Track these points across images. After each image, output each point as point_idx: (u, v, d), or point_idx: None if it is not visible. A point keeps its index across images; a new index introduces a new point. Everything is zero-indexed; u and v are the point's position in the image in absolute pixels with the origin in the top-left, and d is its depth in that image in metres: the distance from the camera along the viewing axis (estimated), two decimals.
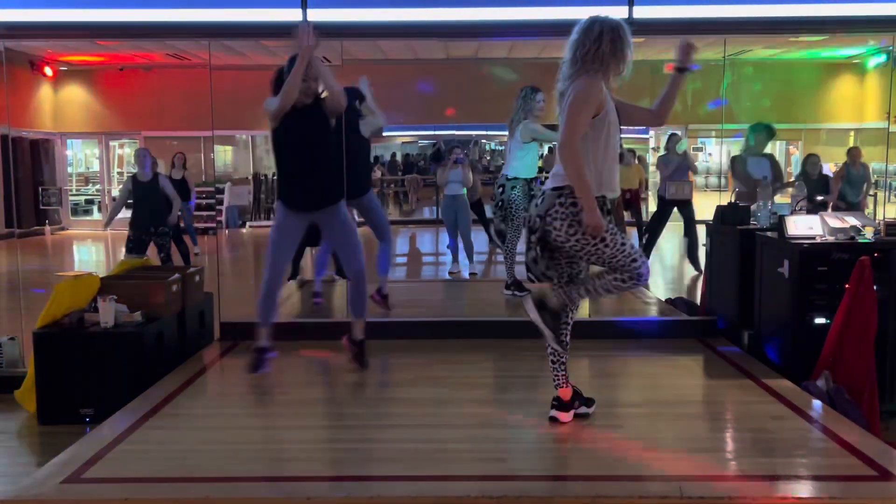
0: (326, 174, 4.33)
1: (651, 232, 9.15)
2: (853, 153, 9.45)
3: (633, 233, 10.71)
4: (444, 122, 15.45)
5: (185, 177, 10.06)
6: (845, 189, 9.12)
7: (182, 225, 9.88)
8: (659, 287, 7.97)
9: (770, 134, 6.93)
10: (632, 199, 10.24)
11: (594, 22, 3.39)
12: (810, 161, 8.29)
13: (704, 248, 5.97)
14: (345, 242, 4.44)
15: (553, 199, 3.37)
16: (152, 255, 7.38)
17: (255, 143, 17.15)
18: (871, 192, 10.73)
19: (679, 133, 9.91)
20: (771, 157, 6.74)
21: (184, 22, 5.60)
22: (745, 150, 6.85)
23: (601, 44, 3.33)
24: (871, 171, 9.74)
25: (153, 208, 7.44)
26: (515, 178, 6.10)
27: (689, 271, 8.93)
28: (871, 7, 5.57)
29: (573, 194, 3.31)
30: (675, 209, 8.97)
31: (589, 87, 3.30)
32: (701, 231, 8.69)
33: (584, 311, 6.06)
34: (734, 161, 7.01)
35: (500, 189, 6.19)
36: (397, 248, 13.22)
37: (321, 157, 4.28)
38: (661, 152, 10.33)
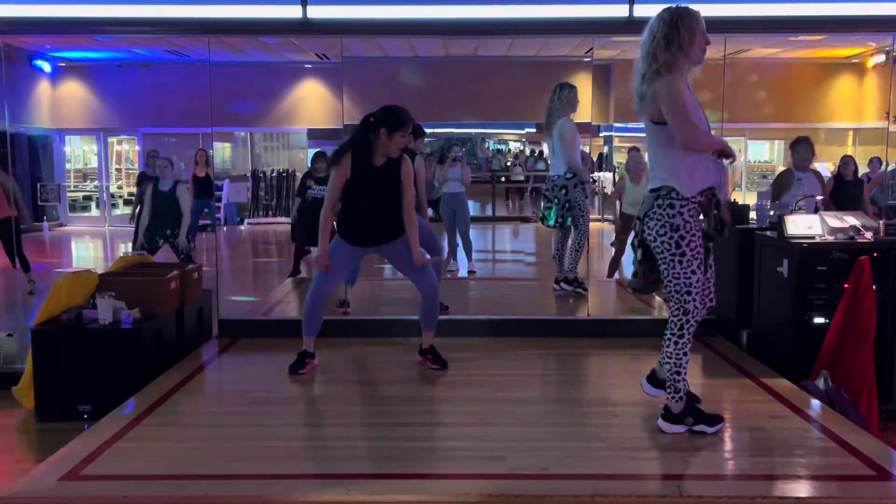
0: (389, 221, 4.52)
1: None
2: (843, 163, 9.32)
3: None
4: (444, 120, 15.42)
5: (208, 174, 9.98)
6: (875, 193, 8.98)
7: (206, 221, 9.90)
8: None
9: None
10: None
11: (658, 16, 3.37)
12: (843, 161, 8.01)
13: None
14: (411, 266, 4.56)
15: (651, 202, 3.41)
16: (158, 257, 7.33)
17: (254, 140, 17.13)
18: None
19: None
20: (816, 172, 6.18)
21: (183, 18, 5.59)
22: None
23: (669, 37, 3.30)
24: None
25: (171, 216, 7.40)
26: (575, 176, 6.13)
27: None
28: (871, 7, 5.57)
29: (669, 195, 3.34)
30: None
31: (671, 91, 3.27)
32: None
33: (583, 310, 6.07)
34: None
35: (564, 190, 6.16)
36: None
37: (387, 209, 4.49)
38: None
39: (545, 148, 6.24)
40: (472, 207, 9.52)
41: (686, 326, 3.50)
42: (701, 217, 3.41)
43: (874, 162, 10.26)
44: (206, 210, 10.09)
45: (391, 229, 4.52)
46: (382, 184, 4.42)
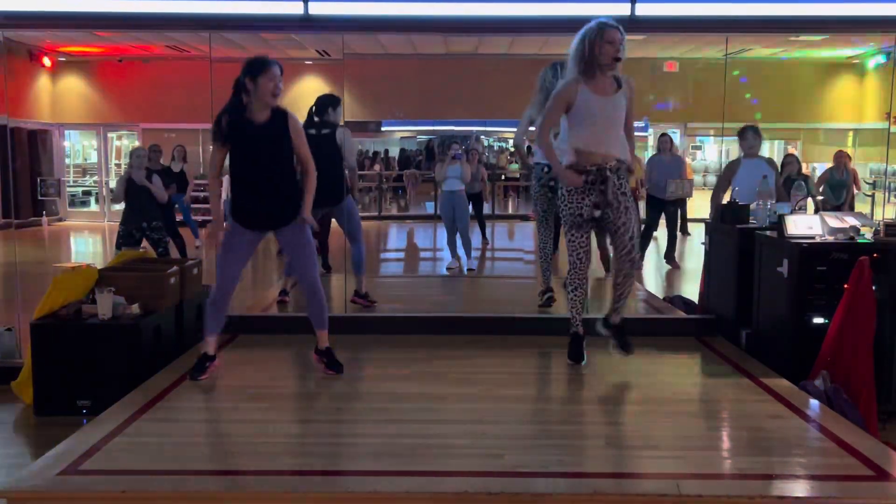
0: (282, 196, 4.22)
1: (645, 234, 9.07)
2: (838, 158, 9.45)
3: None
4: (444, 118, 15.43)
5: (183, 169, 10.03)
6: (826, 192, 9.16)
7: (179, 218, 9.86)
8: (657, 285, 7.98)
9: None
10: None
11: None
12: (786, 160, 8.23)
13: (703, 246, 5.96)
14: (299, 255, 4.35)
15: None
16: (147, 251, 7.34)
17: None
18: (870, 193, 10.74)
19: (669, 134, 9.80)
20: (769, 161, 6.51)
21: (184, 14, 5.59)
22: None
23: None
24: (858, 176, 9.76)
25: (144, 204, 7.40)
26: None
27: (688, 270, 8.93)
28: (872, 7, 5.57)
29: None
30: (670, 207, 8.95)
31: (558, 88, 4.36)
32: (698, 229, 8.72)
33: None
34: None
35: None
36: (396, 244, 13.24)
37: (279, 178, 4.20)
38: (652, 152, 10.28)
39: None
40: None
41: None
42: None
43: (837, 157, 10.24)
44: (176, 206, 10.07)
45: (285, 207, 4.22)
46: (268, 142, 4.13)
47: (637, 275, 4.42)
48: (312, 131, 5.65)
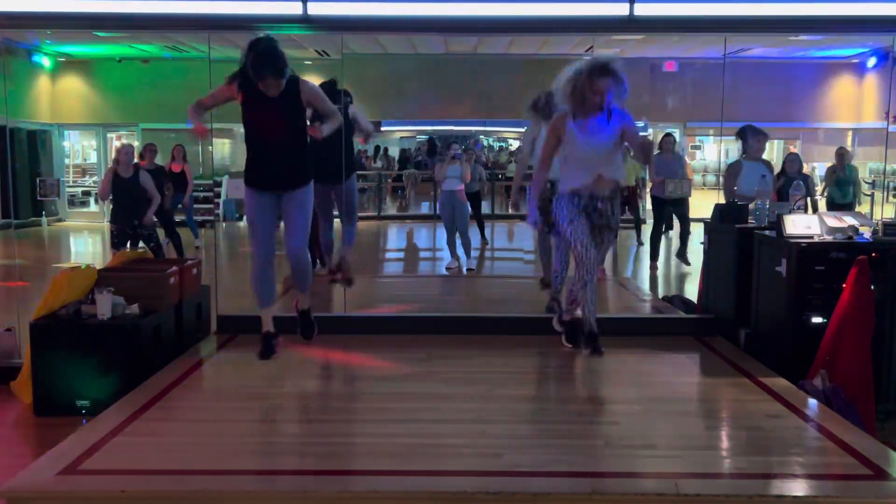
0: (292, 160, 4.35)
1: (653, 236, 9.08)
2: (838, 155, 9.43)
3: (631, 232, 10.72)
4: (443, 118, 15.42)
5: (184, 170, 9.99)
6: (833, 191, 9.14)
7: (180, 218, 9.87)
8: (656, 285, 7.99)
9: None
10: (629, 197, 10.20)
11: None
12: (789, 159, 8.14)
13: (702, 245, 5.96)
14: (295, 221, 4.40)
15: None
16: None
17: None
18: (869, 192, 10.72)
19: (673, 133, 9.76)
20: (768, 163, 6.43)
21: (183, 14, 5.59)
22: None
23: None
24: (857, 173, 9.74)
25: (134, 204, 7.35)
26: None
27: (687, 269, 8.93)
28: (871, 7, 5.57)
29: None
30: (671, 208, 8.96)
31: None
32: (697, 228, 8.71)
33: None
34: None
35: None
36: (395, 244, 13.23)
37: (291, 145, 4.33)
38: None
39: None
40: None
41: None
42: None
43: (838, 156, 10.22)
44: (179, 206, 10.06)
45: (294, 171, 4.36)
46: (282, 114, 4.25)
47: (600, 277, 4.63)
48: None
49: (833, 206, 8.92)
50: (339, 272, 6.17)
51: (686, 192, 8.81)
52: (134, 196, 7.34)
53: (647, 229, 10.90)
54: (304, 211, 4.38)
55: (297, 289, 4.67)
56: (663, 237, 9.65)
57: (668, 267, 9.23)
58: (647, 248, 10.19)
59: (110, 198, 7.52)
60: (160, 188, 7.94)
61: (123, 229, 7.38)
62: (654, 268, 8.88)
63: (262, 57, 4.08)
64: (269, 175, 4.35)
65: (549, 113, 6.07)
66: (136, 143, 16.03)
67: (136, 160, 7.80)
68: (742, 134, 6.18)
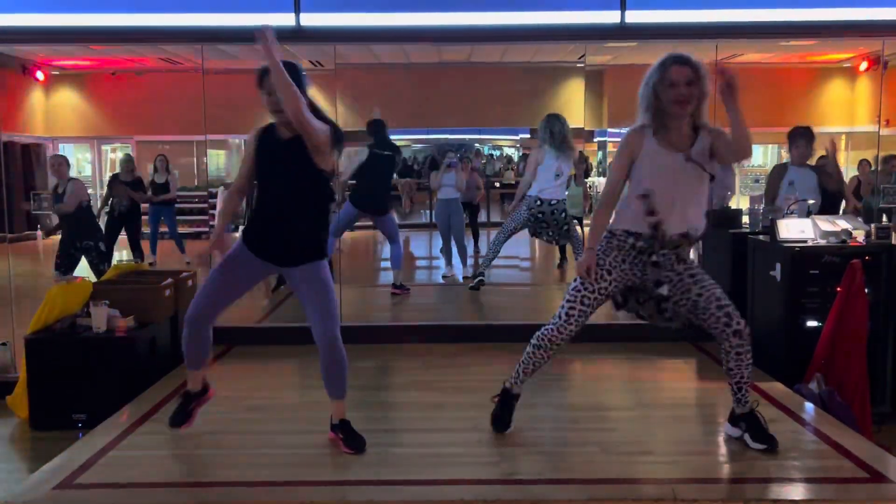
0: (297, 226, 3.43)
1: None
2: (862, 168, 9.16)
3: None
4: (438, 126, 15.45)
5: (168, 180, 9.86)
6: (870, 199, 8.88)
7: (164, 229, 9.82)
8: None
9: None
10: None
11: None
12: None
13: (697, 251, 5.98)
14: (316, 304, 3.45)
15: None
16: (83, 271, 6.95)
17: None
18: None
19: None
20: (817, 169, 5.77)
21: (177, 27, 5.61)
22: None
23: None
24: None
25: (79, 221, 6.94)
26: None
27: None
28: (862, 11, 5.61)
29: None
30: None
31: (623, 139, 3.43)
32: None
33: None
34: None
35: (564, 214, 6.69)
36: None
37: (296, 205, 3.42)
38: None
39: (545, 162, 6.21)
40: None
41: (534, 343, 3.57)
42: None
43: (863, 164, 10.30)
44: (163, 218, 9.98)
45: (299, 242, 3.43)
46: (287, 161, 3.36)
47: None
48: (377, 150, 6.97)
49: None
50: (401, 289, 7.09)
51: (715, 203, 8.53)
52: (79, 214, 6.90)
53: None
54: (324, 284, 3.45)
55: (330, 395, 3.58)
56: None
57: None
58: None
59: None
60: (130, 199, 7.97)
61: (68, 251, 6.97)
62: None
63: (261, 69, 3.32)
64: (269, 239, 3.45)
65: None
66: (132, 155, 16.08)
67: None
68: (791, 136, 5.63)
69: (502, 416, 3.67)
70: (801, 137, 5.52)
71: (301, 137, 3.30)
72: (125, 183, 8.15)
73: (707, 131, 3.32)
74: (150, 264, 9.60)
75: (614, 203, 3.43)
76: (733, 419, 3.53)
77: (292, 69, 3.28)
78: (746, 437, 3.47)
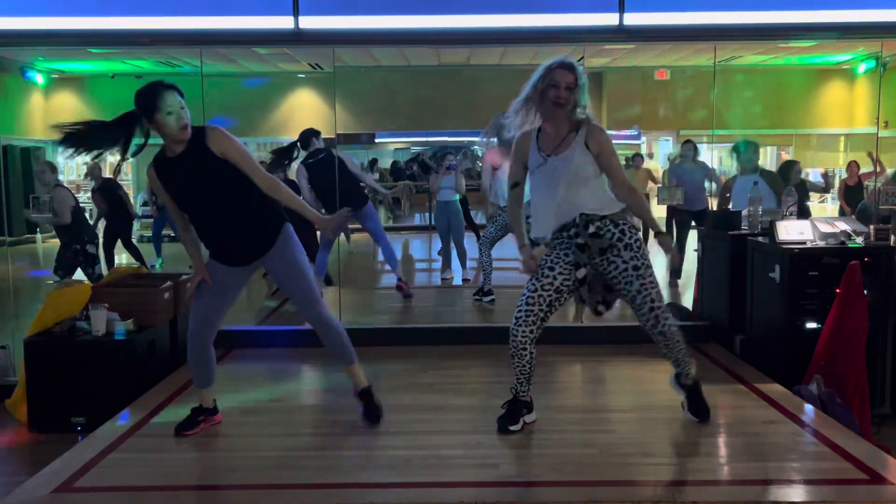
0: (241, 228, 3.47)
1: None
2: (850, 168, 9.25)
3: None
4: (437, 129, 15.48)
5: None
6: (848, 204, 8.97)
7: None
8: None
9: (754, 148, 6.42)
10: None
11: None
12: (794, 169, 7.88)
13: (696, 253, 5.98)
14: (292, 287, 3.60)
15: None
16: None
17: (248, 149, 17.13)
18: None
19: (691, 140, 9.19)
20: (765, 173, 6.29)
21: (176, 30, 5.60)
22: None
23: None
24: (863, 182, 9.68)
25: (69, 226, 6.96)
26: None
27: (682, 277, 8.91)
28: (860, 13, 5.61)
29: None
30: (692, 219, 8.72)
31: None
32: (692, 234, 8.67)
33: (576, 317, 6.08)
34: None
35: None
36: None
37: (227, 210, 3.43)
38: (676, 160, 9.83)
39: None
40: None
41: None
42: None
43: (852, 166, 10.32)
44: (167, 222, 9.97)
45: (251, 239, 3.49)
46: (195, 175, 3.36)
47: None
48: (311, 160, 6.71)
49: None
50: (402, 288, 6.92)
51: (679, 199, 8.66)
52: (79, 218, 6.98)
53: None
54: (291, 268, 3.55)
55: (342, 363, 3.78)
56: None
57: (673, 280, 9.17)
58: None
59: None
60: (118, 202, 8.06)
61: (66, 255, 6.96)
62: (673, 284, 8.57)
63: (152, 91, 3.41)
64: (231, 248, 3.53)
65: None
66: (130, 160, 16.03)
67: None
68: (736, 148, 6.26)
69: (508, 415, 3.71)
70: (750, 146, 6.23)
71: (193, 143, 3.35)
72: (96, 191, 8.14)
73: (590, 138, 3.45)
74: (151, 266, 9.63)
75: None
76: (679, 383, 3.83)
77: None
78: (683, 405, 3.82)
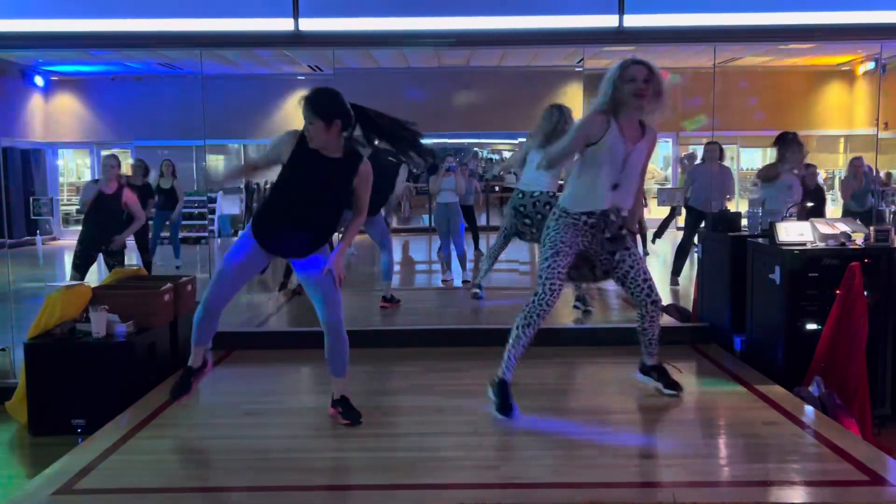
0: (314, 229, 3.78)
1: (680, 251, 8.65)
2: (851, 166, 9.13)
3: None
4: (437, 130, 15.49)
5: (174, 186, 9.79)
6: (850, 205, 8.90)
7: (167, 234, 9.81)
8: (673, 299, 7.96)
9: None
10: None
11: None
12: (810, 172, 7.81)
13: (696, 254, 5.98)
14: (321, 290, 3.80)
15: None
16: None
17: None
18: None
19: (715, 142, 8.98)
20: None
21: (176, 32, 5.62)
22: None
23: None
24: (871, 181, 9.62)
25: (111, 224, 6.69)
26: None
27: (682, 278, 8.93)
28: (859, 15, 5.62)
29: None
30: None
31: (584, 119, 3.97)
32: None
33: (576, 319, 6.09)
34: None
35: (548, 206, 6.09)
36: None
37: (320, 213, 3.76)
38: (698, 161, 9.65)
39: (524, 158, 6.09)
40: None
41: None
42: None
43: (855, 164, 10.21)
44: (167, 222, 9.94)
45: (311, 240, 3.77)
46: (329, 181, 3.67)
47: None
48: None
49: (851, 216, 8.15)
50: (391, 302, 6.67)
51: (679, 201, 8.70)
52: (113, 215, 6.69)
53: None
54: (328, 273, 3.76)
55: (331, 372, 3.97)
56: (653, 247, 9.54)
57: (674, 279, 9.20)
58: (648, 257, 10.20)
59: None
60: (145, 207, 7.57)
61: (89, 252, 6.75)
62: (674, 283, 8.45)
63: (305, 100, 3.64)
64: (284, 237, 3.77)
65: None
66: (130, 161, 16.09)
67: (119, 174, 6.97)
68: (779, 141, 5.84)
69: (504, 402, 3.88)
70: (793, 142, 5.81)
71: (350, 161, 3.70)
72: (137, 188, 8.04)
73: (652, 136, 3.90)
74: (177, 267, 9.66)
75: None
76: (644, 370, 4.26)
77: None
78: (659, 385, 4.20)
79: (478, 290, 6.83)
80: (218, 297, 3.83)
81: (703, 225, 8.23)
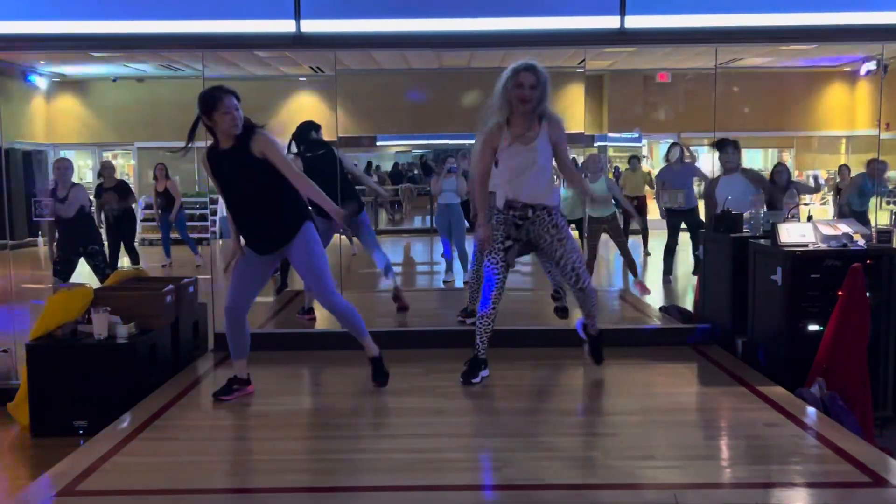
0: (270, 221, 4.08)
1: (666, 250, 8.86)
2: (872, 168, 9.14)
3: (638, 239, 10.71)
4: (438, 132, 15.50)
5: (168, 188, 9.87)
6: (852, 199, 8.91)
7: (175, 236, 9.87)
8: (652, 295, 7.99)
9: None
10: (639, 206, 10.09)
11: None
12: (777, 169, 7.94)
13: (697, 255, 5.98)
14: (309, 276, 4.21)
15: None
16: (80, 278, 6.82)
17: None
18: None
19: (678, 143, 9.42)
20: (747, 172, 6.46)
21: (178, 34, 5.62)
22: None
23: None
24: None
25: (81, 226, 6.93)
26: None
27: (682, 279, 8.94)
28: (861, 16, 5.62)
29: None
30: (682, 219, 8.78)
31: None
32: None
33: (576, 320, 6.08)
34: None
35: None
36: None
37: (259, 203, 4.05)
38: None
39: None
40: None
41: None
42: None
43: (843, 170, 10.37)
44: (174, 225, 10.10)
45: (281, 228, 4.07)
46: (239, 168, 3.95)
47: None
48: (309, 154, 6.02)
49: (850, 213, 8.32)
50: (398, 300, 6.49)
51: (681, 202, 8.72)
52: (84, 220, 6.96)
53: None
54: (308, 259, 4.11)
55: (357, 337, 4.44)
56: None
57: (667, 277, 9.22)
58: (647, 259, 10.22)
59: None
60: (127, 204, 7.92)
61: (69, 257, 6.91)
62: (667, 281, 8.68)
63: (213, 94, 3.95)
64: (258, 238, 4.13)
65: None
66: (132, 163, 16.11)
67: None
68: (720, 145, 6.34)
69: (470, 371, 4.48)
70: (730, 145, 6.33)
71: (241, 141, 3.90)
72: (110, 189, 8.15)
73: (553, 127, 4.24)
74: (163, 266, 9.74)
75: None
76: (585, 330, 4.79)
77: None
78: (585, 347, 4.79)
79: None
80: (232, 300, 4.14)
81: (682, 224, 8.63)
